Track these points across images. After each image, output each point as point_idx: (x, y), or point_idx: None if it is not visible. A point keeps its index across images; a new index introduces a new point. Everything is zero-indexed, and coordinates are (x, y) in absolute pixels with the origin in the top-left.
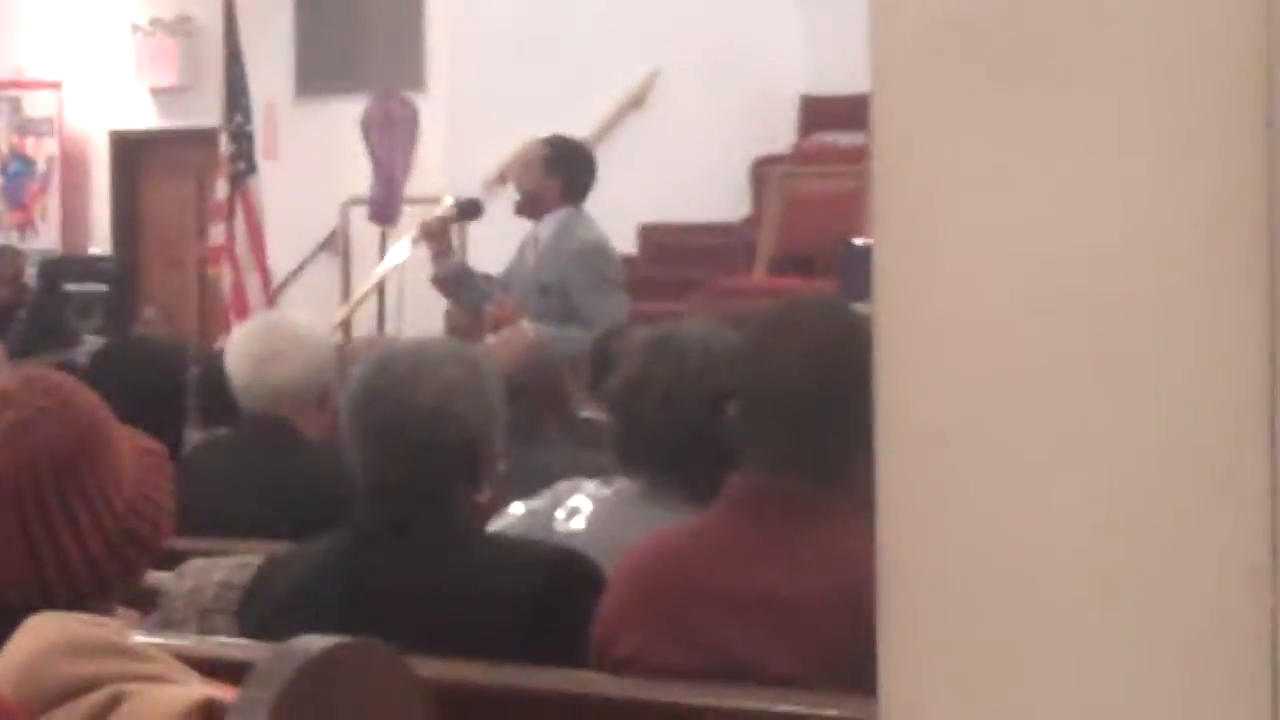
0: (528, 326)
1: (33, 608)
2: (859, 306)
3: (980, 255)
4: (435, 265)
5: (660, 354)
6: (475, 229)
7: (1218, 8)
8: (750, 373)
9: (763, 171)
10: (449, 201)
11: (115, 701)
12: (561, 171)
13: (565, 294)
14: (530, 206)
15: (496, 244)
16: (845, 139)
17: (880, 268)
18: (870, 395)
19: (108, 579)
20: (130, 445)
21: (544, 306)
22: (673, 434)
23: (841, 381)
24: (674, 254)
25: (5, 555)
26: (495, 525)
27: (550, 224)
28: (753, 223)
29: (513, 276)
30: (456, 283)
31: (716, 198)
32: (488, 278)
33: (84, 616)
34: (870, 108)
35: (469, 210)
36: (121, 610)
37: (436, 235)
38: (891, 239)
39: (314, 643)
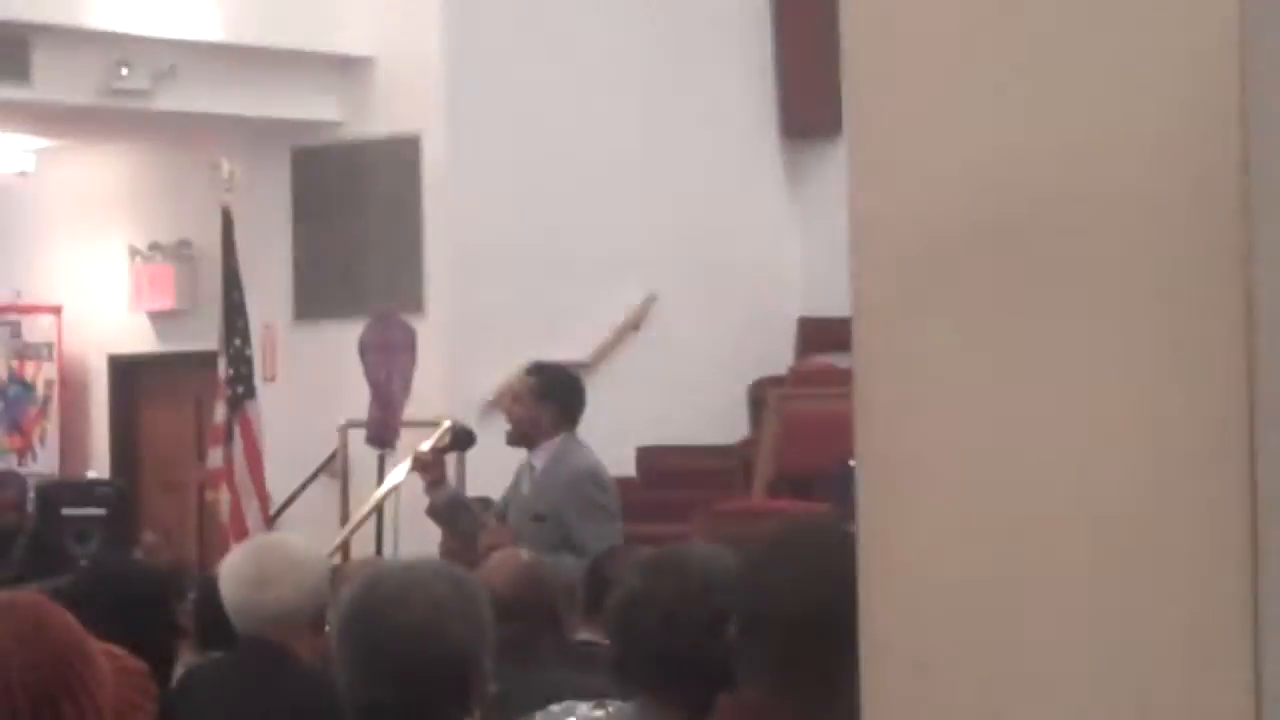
0: (522, 550)
1: None
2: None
3: (961, 479)
4: (430, 495)
5: (662, 573)
6: (473, 454)
7: (1192, 216)
8: (745, 594)
9: (761, 393)
10: (445, 425)
11: None
12: (552, 399)
13: (560, 522)
14: (524, 437)
15: (494, 469)
16: (843, 360)
17: (863, 493)
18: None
19: None
20: (111, 666)
21: (539, 535)
22: (674, 653)
23: (837, 604)
24: (672, 477)
25: None
26: None
27: (545, 452)
28: (751, 444)
29: (510, 504)
30: (451, 513)
31: (715, 420)
32: (485, 503)
33: None
34: (852, 333)
35: (462, 440)
36: None
37: (430, 466)
38: (872, 461)
39: None
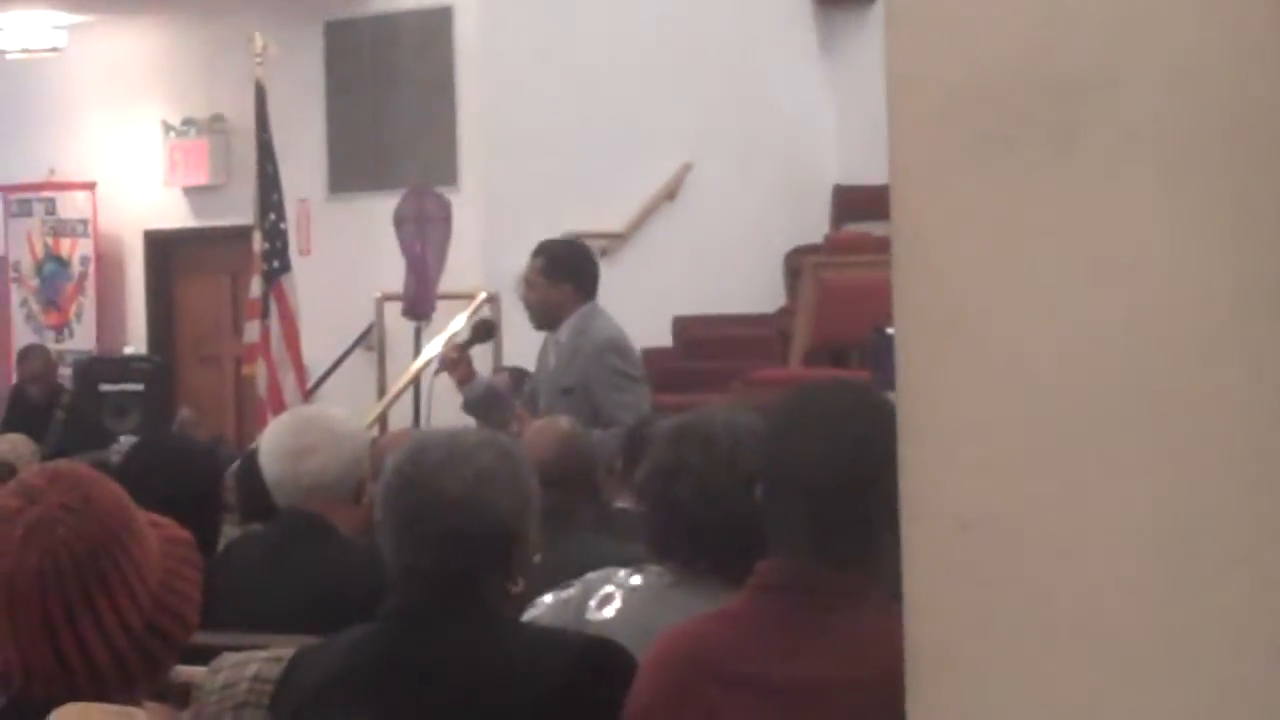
0: (562, 418)
1: (58, 701)
2: (893, 395)
3: (1001, 336)
4: (462, 392)
5: (688, 442)
6: (508, 330)
7: (1233, 75)
8: (770, 460)
9: (796, 262)
10: (481, 299)
11: None
12: (564, 276)
13: (587, 394)
14: (545, 318)
15: (528, 344)
16: (879, 228)
17: (901, 354)
18: (893, 477)
19: (133, 673)
20: (158, 536)
21: (568, 408)
22: (710, 522)
23: (863, 465)
24: (709, 346)
25: (30, 651)
26: (527, 615)
27: (568, 325)
28: (787, 313)
29: (539, 381)
30: (486, 405)
31: (750, 289)
32: (522, 374)
33: (110, 708)
34: (890, 189)
35: (483, 332)
36: (150, 705)
37: (456, 364)
38: (911, 323)
39: None
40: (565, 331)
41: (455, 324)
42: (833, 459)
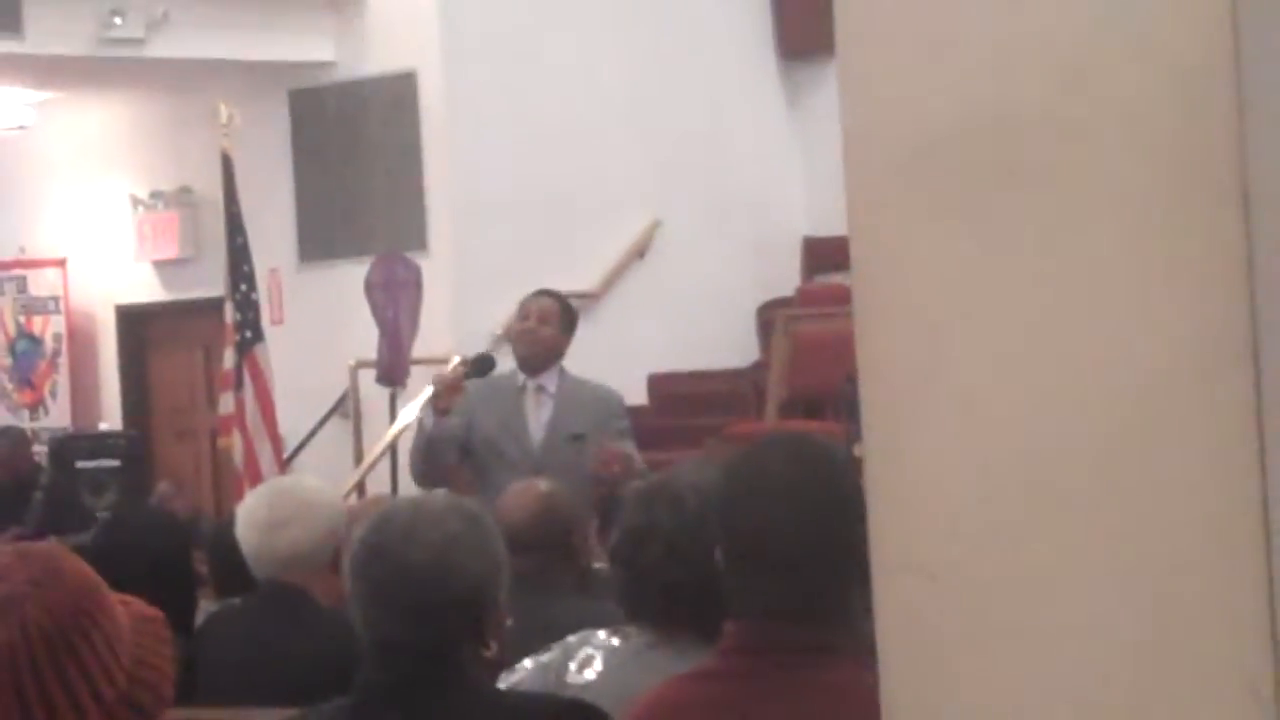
0: (541, 480)
1: None
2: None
3: (963, 386)
4: (433, 424)
5: (657, 504)
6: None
7: (1185, 120)
8: (725, 523)
9: (769, 316)
10: (456, 360)
11: None
12: (571, 328)
13: (599, 444)
14: (541, 360)
15: None
16: (850, 279)
17: (867, 406)
18: (854, 526)
19: None
20: (127, 613)
21: (580, 454)
22: (681, 583)
23: (818, 521)
24: (684, 402)
25: None
26: (507, 680)
27: (552, 375)
28: (761, 367)
29: (505, 428)
30: (438, 451)
31: (724, 344)
32: (486, 361)
33: None
34: (849, 240)
35: (484, 365)
36: None
37: (450, 390)
38: (875, 376)
39: None
40: (551, 381)
41: (428, 392)
42: (785, 518)
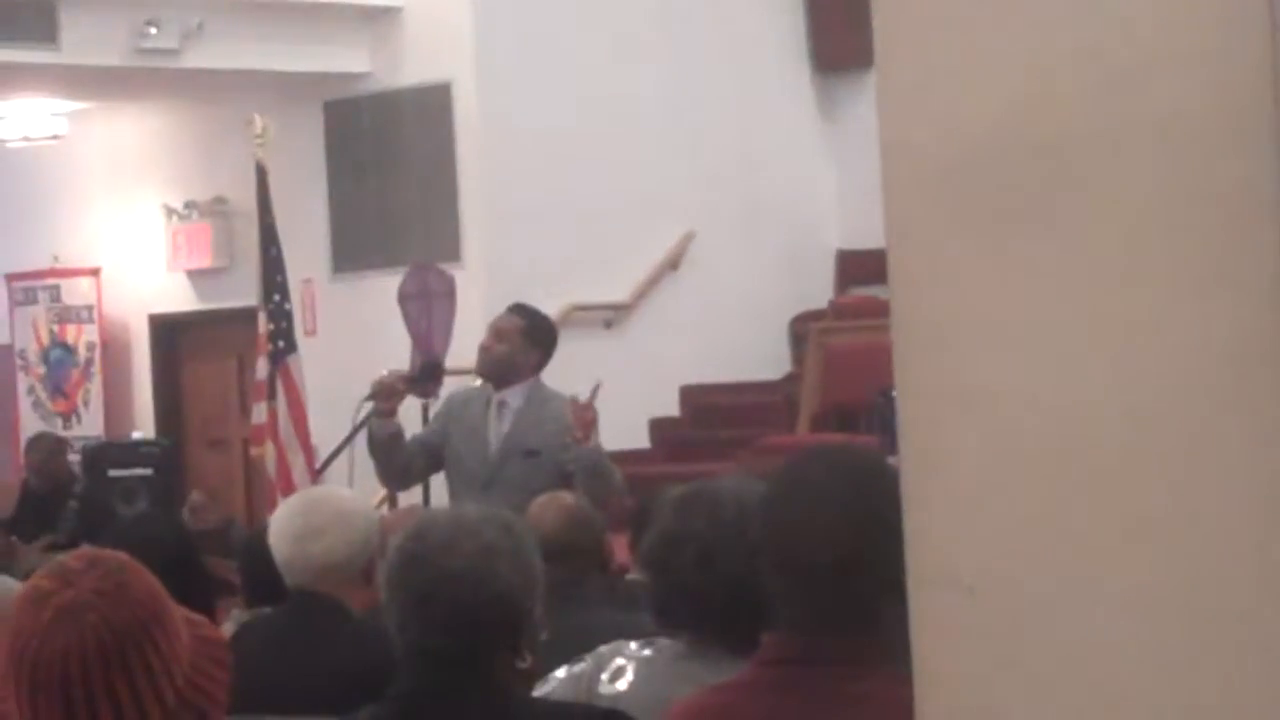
0: (564, 494)
1: None
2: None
3: (1001, 400)
4: (375, 426)
5: (694, 510)
6: None
7: (1222, 134)
8: (767, 533)
9: (802, 328)
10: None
11: None
12: (538, 344)
13: (554, 458)
14: (499, 374)
15: None
16: (883, 292)
17: (904, 420)
18: (895, 540)
19: None
20: (190, 633)
21: (530, 470)
22: (713, 590)
23: (859, 533)
24: (717, 414)
25: None
26: (539, 690)
27: (519, 391)
28: (794, 379)
29: (468, 440)
30: (387, 450)
31: (757, 356)
32: (434, 366)
33: None
34: (887, 253)
35: (430, 372)
36: None
37: (391, 394)
38: (912, 389)
39: None
40: (517, 396)
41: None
42: (828, 529)
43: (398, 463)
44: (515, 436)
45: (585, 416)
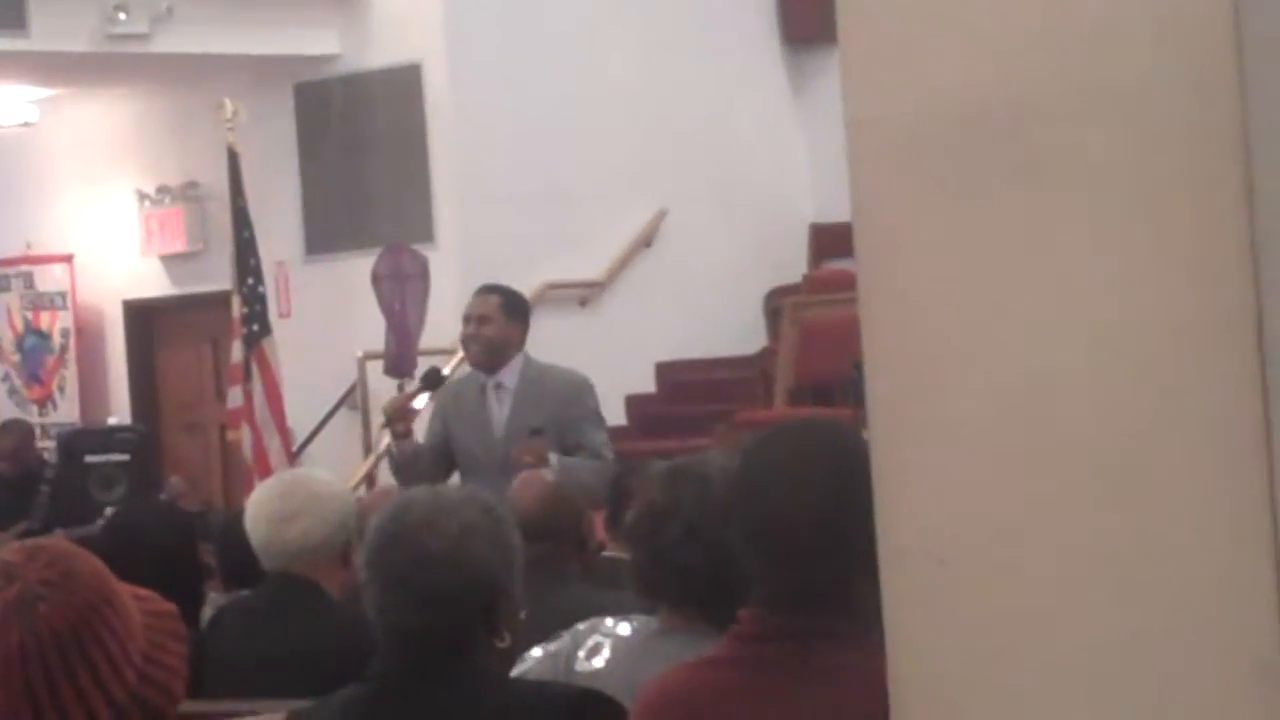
0: (546, 471)
1: None
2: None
3: (969, 372)
4: (395, 448)
5: (682, 484)
6: None
7: (1187, 104)
8: (740, 508)
9: (776, 302)
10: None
11: None
12: (519, 317)
13: (559, 433)
14: (496, 357)
15: None
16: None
17: (872, 391)
18: (866, 513)
19: None
20: (141, 609)
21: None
22: (697, 564)
23: (832, 506)
24: (692, 390)
25: None
26: (517, 669)
27: (512, 370)
28: (770, 354)
29: (473, 430)
30: (409, 471)
31: (732, 331)
32: (436, 376)
33: None
34: (853, 226)
35: (432, 380)
36: None
37: (402, 415)
38: (880, 361)
39: None
40: (511, 376)
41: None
42: (801, 503)
43: (425, 478)
44: (518, 418)
45: (524, 458)
